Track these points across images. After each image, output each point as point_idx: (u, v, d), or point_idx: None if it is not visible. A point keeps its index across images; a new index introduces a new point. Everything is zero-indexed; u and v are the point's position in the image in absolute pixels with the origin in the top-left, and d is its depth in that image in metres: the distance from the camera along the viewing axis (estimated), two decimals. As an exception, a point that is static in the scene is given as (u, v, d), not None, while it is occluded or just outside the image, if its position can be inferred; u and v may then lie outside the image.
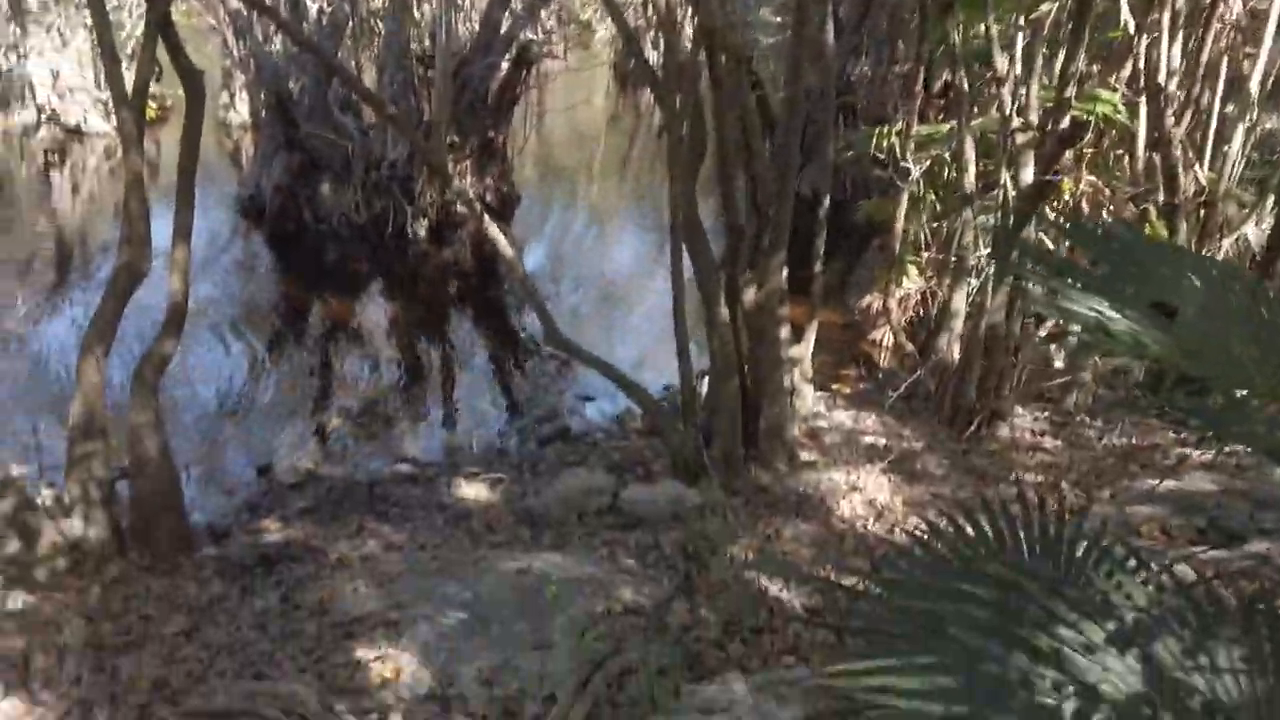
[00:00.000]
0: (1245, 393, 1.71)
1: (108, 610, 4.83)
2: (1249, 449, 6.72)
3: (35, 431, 6.34)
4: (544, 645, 4.76)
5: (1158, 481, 6.39)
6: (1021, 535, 1.68)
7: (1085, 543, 1.60)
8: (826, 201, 7.99)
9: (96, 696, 4.04)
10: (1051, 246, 7.47)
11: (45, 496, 5.38)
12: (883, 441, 7.97)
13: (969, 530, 1.73)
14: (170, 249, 5.59)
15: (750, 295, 6.84)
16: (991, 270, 7.76)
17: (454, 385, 10.07)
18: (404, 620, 4.95)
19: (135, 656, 4.46)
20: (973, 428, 7.84)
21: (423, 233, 13.52)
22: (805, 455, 7.63)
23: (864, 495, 6.91)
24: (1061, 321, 1.59)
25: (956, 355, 8.27)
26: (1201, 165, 7.90)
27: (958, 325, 8.32)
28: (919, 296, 9.99)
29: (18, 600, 4.54)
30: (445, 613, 5.04)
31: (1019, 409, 8.22)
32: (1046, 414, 8.29)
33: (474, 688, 4.43)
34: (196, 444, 8.00)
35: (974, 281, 8.57)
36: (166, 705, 4.11)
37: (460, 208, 12.77)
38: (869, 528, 6.45)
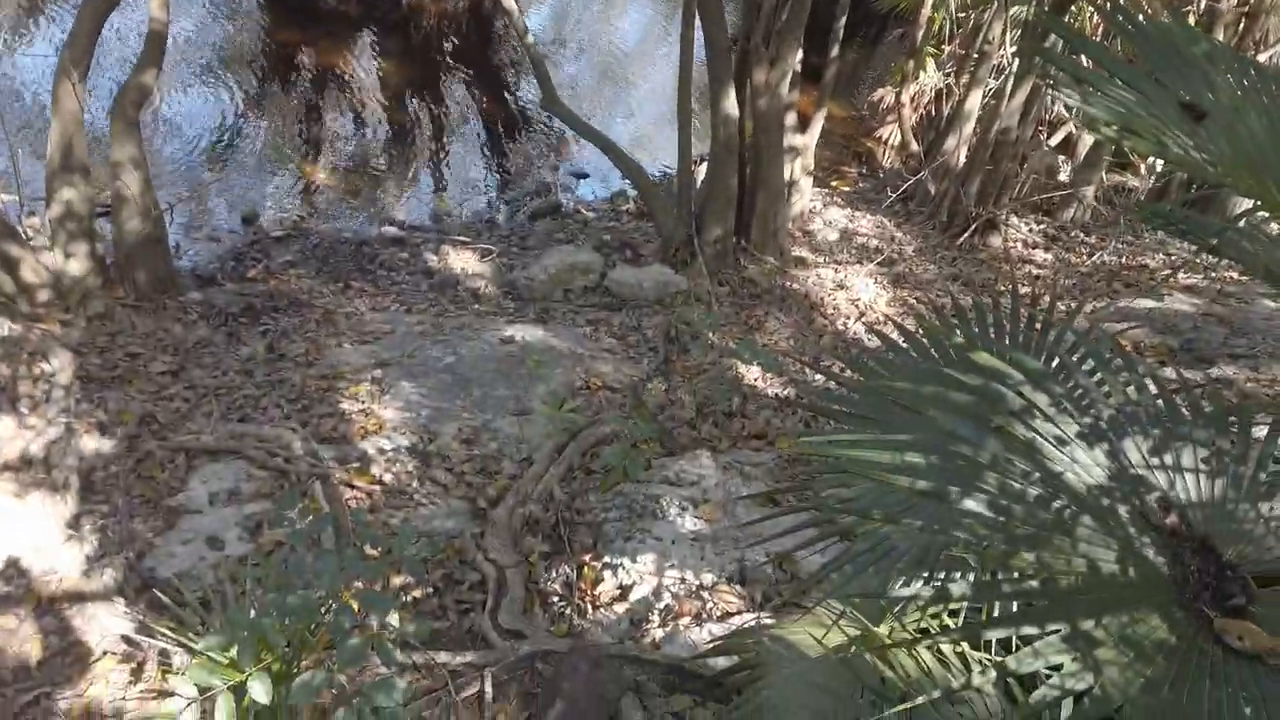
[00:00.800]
0: (1253, 204, 1.65)
1: (93, 345, 4.88)
2: (1240, 271, 6.75)
3: (13, 160, 6.14)
4: (523, 412, 4.90)
5: (1130, 300, 6.44)
6: (1008, 328, 1.68)
7: (1073, 339, 1.60)
8: (852, -20, 7.49)
9: (85, 426, 4.15)
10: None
11: (26, 227, 5.29)
12: (875, 242, 7.92)
13: (956, 321, 1.73)
14: (146, -29, 5.21)
15: (761, 75, 6.52)
16: (1016, 67, 7.41)
17: (444, 149, 9.78)
18: (388, 378, 5.06)
19: (122, 391, 4.56)
20: (967, 235, 7.78)
21: (418, -20, 12.64)
22: (796, 250, 7.59)
23: (849, 294, 6.95)
24: (1086, 114, 1.49)
25: (962, 159, 8.07)
26: (1254, -29, 7.39)
27: (968, 127, 8.06)
28: (933, 94, 9.60)
29: (3, 328, 4.56)
30: (428, 374, 5.14)
31: (1015, 219, 8.14)
32: (1042, 226, 8.22)
33: (453, 445, 4.59)
34: (180, 188, 7.83)
35: (993, 82, 8.22)
36: (154, 439, 4.24)
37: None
38: (850, 325, 6.53)
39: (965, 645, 1.89)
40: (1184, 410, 1.48)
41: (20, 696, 2.70)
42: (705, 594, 3.51)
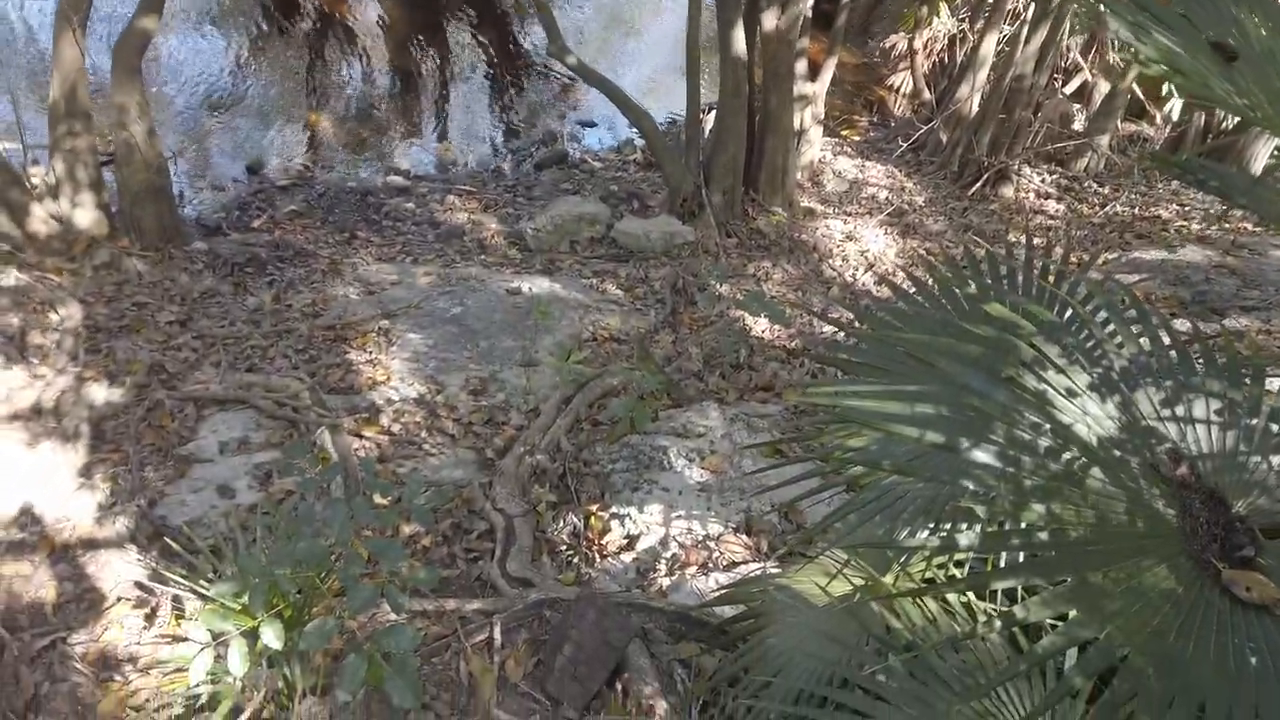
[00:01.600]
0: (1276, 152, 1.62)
1: (100, 294, 4.88)
2: (1255, 222, 6.66)
3: (15, 106, 6.08)
4: (530, 363, 4.90)
5: (1143, 252, 6.38)
6: (1020, 279, 1.66)
7: (1086, 290, 1.58)
8: (864, -78, 7.31)
9: (94, 375, 4.16)
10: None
11: (31, 175, 5.26)
12: (884, 193, 7.84)
13: (968, 271, 1.71)
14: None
15: (770, 20, 6.40)
16: (1031, 12, 7.25)
17: (450, 97, 9.66)
18: (395, 329, 5.05)
19: (130, 341, 4.56)
20: (978, 185, 7.69)
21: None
22: (805, 200, 7.52)
23: (858, 245, 6.90)
24: (1140, 51, 1.46)
25: (975, 107, 7.94)
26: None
27: (982, 75, 7.92)
28: (946, 40, 9.42)
29: (10, 277, 4.56)
30: (435, 325, 5.14)
31: (1027, 169, 8.04)
32: (1055, 176, 8.11)
33: (461, 396, 4.59)
34: (184, 136, 7.77)
35: (1008, 27, 8.05)
36: (163, 389, 4.26)
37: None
38: (858, 277, 6.49)
39: (971, 595, 1.90)
40: (1197, 362, 1.46)
41: (37, 640, 2.74)
42: (711, 543, 3.53)
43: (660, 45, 11.23)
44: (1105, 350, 1.44)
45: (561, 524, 3.73)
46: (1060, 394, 1.35)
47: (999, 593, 1.93)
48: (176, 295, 5.11)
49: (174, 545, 3.16)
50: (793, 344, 5.47)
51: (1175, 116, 8.30)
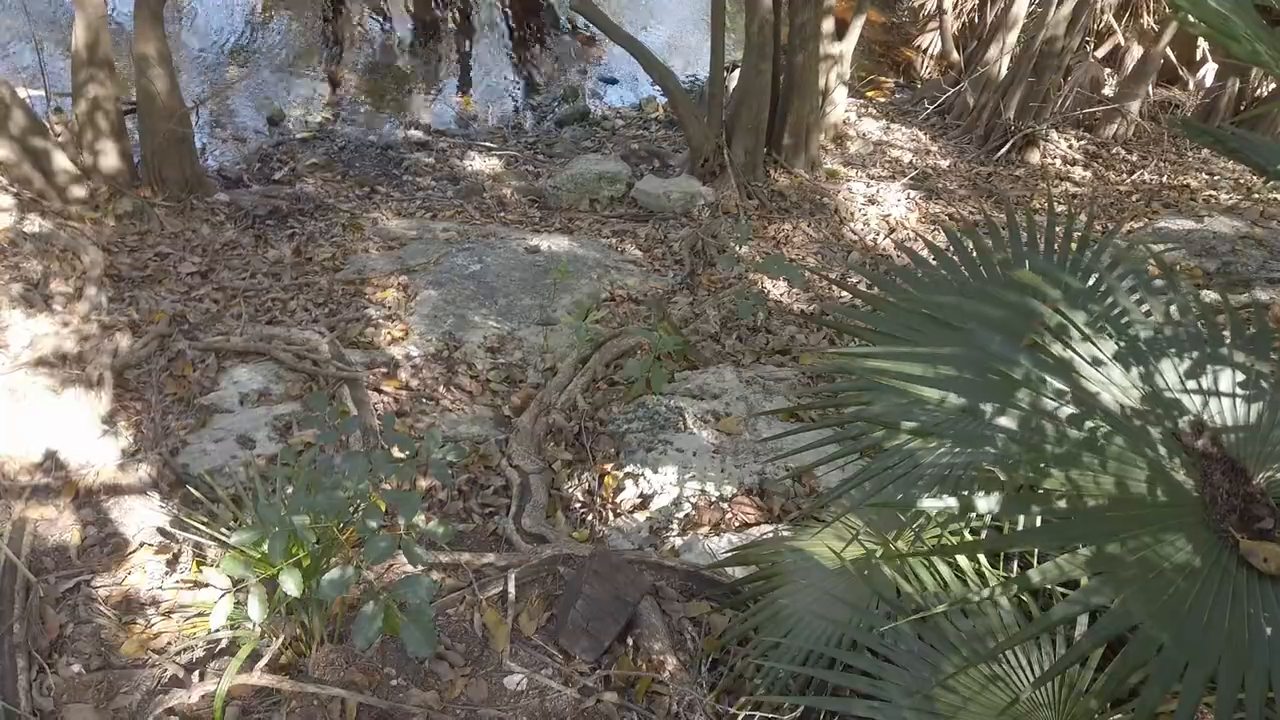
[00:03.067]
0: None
1: (123, 244, 4.91)
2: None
3: (39, 54, 6.07)
4: (548, 322, 4.90)
5: (1170, 221, 6.28)
6: (1042, 245, 1.64)
7: (1114, 256, 1.56)
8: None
9: (117, 324, 4.19)
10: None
11: (54, 122, 5.27)
12: (909, 156, 7.74)
13: (989, 236, 1.69)
14: None
15: (797, -22, 6.29)
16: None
17: (471, 51, 9.57)
18: (414, 284, 5.06)
19: (153, 291, 4.59)
20: (1004, 150, 7.58)
21: None
22: (828, 162, 7.44)
23: (880, 209, 6.83)
24: (1184, 15, 1.44)
25: (1004, 70, 7.80)
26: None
27: (1012, 36, 7.77)
28: (977, 1, 9.23)
29: (34, 224, 4.58)
30: (454, 282, 5.14)
31: (1055, 134, 7.91)
32: (1083, 142, 7.98)
33: (479, 353, 4.61)
34: (205, 87, 7.75)
35: (1040, -12, 7.87)
36: (185, 339, 4.29)
37: None
38: (879, 241, 6.43)
39: (984, 562, 1.91)
40: (1224, 333, 1.45)
41: (62, 583, 2.80)
42: (724, 505, 3.55)
43: (685, 1, 11.06)
44: (1131, 318, 1.43)
45: (576, 482, 3.75)
46: (1085, 361, 1.34)
47: (1014, 561, 1.94)
48: (198, 246, 5.13)
49: (195, 493, 3.20)
50: (810, 308, 5.44)
51: (1209, 83, 8.13)
